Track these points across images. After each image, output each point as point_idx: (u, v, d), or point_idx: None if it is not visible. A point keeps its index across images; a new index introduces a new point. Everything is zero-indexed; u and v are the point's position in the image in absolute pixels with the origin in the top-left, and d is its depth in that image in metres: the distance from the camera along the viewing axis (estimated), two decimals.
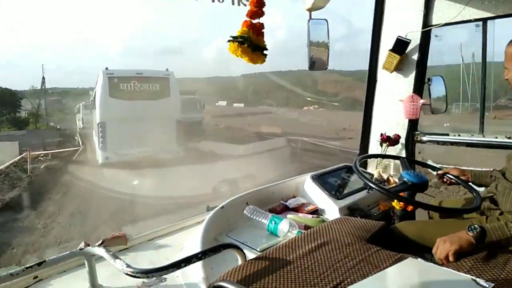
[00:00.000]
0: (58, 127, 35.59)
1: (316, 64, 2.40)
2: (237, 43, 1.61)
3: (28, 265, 1.24)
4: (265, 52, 1.70)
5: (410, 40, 2.50)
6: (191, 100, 19.07)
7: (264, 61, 1.71)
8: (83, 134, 21.54)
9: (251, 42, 1.62)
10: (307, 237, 1.46)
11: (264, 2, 1.73)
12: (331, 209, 2.05)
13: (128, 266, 1.13)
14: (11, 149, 19.18)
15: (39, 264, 1.25)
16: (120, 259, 1.18)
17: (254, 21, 1.68)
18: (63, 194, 10.30)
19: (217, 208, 1.88)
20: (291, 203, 2.05)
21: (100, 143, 12.11)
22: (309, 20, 2.34)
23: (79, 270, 1.49)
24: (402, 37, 2.52)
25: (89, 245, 1.42)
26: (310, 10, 2.36)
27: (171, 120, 12.94)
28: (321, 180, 2.26)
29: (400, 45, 2.53)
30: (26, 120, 43.30)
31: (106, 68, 12.43)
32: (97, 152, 12.52)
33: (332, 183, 2.31)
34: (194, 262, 1.19)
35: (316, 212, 2.02)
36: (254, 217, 1.82)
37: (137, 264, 1.18)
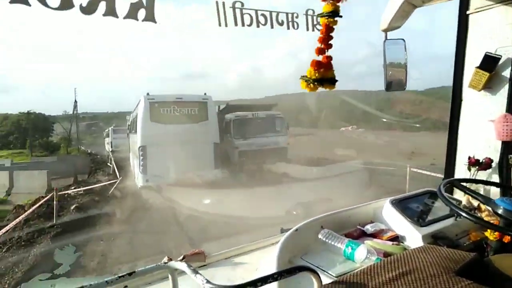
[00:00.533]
0: (89, 151, 35.21)
1: (393, 84, 2.33)
2: (304, 81, 1.81)
3: (120, 274, 1.36)
4: (334, 79, 1.86)
5: (501, 56, 2.30)
6: (272, 118, 16.63)
7: (334, 87, 1.86)
8: (114, 158, 21.40)
9: (315, 80, 1.79)
10: (388, 264, 1.39)
11: (332, 36, 1.83)
12: (413, 237, 1.92)
13: (208, 282, 1.18)
14: (39, 179, 17.53)
15: (129, 274, 1.36)
16: (201, 274, 1.24)
17: (321, 57, 1.84)
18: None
19: (291, 230, 1.87)
20: (369, 228, 1.97)
21: (140, 167, 12.36)
22: (385, 41, 2.29)
23: (162, 282, 1.59)
24: (491, 53, 2.33)
25: (172, 260, 1.51)
26: (385, 30, 2.32)
27: (210, 143, 13.04)
28: (401, 205, 2.13)
29: (489, 62, 2.34)
30: (57, 144, 43.64)
31: (148, 94, 12.83)
32: (136, 176, 12.84)
33: (413, 208, 2.17)
34: (270, 282, 1.20)
35: (396, 239, 1.91)
36: (330, 241, 1.78)
37: (214, 280, 1.22)
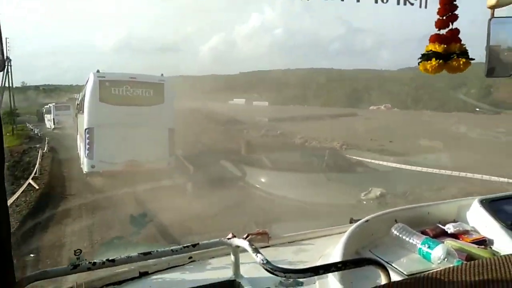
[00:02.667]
0: (35, 132, 26.06)
1: (496, 69, 2.03)
2: (424, 62, 1.48)
3: (185, 245, 1.40)
4: (467, 53, 1.49)
5: None
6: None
7: (469, 64, 1.50)
8: (57, 136, 19.75)
9: (439, 55, 1.45)
10: (471, 269, 1.22)
11: (457, 5, 1.50)
12: (505, 242, 1.68)
13: (268, 262, 1.15)
14: None
15: (193, 245, 1.39)
16: (262, 254, 1.22)
17: (444, 31, 1.50)
18: None
19: (361, 221, 1.76)
20: (451, 228, 1.77)
21: (86, 151, 11.24)
22: (490, 19, 1.99)
23: (224, 257, 1.60)
24: None
25: (235, 237, 1.52)
26: (493, 7, 2.01)
27: (164, 129, 12.02)
28: (492, 206, 1.88)
29: None
30: None
31: (98, 71, 11.67)
32: (82, 161, 11.75)
33: (507, 211, 1.90)
34: (333, 271, 1.14)
35: (483, 242, 1.69)
36: (403, 237, 1.64)
37: (275, 263, 1.19)
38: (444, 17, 1.50)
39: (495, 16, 1.98)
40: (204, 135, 20.87)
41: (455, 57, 1.46)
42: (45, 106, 29.68)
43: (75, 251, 1.42)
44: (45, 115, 28.52)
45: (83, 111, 12.04)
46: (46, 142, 14.90)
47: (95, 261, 1.27)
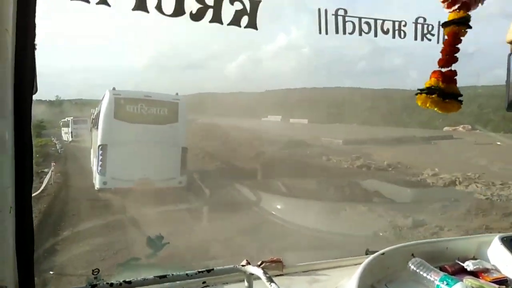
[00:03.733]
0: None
1: None
2: (424, 95, 1.54)
3: (200, 270, 1.41)
4: (460, 98, 1.56)
5: None
6: None
7: (460, 108, 1.57)
8: (73, 149, 20.12)
9: (441, 92, 1.52)
10: None
11: (459, 48, 1.58)
12: None
13: None
14: None
15: (208, 271, 1.41)
16: (275, 283, 1.22)
17: (444, 70, 1.58)
18: None
19: (377, 253, 1.74)
20: (470, 265, 1.72)
21: (99, 167, 11.20)
22: (510, 54, 2.00)
23: (238, 284, 1.60)
24: None
25: (249, 263, 1.52)
26: None
27: (177, 147, 11.97)
28: None
29: None
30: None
31: (114, 88, 11.71)
32: (94, 176, 11.70)
33: None
34: None
35: (504, 282, 1.64)
36: (421, 272, 1.61)
37: None
38: (448, 56, 1.56)
39: None
40: (265, 160, 18.04)
41: (450, 99, 1.53)
42: (62, 120, 30.27)
43: (93, 270, 1.45)
44: (62, 128, 29.11)
45: (97, 127, 12.12)
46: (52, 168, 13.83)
47: (112, 282, 1.30)
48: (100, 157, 11.16)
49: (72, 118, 27.73)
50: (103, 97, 12.09)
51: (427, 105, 1.52)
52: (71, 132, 26.15)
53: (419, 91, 1.55)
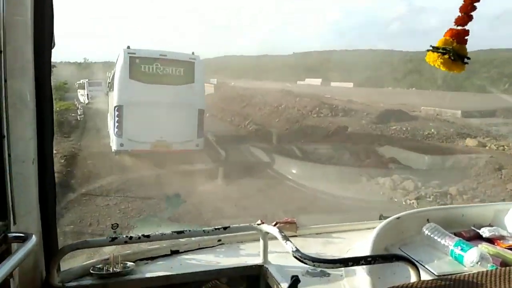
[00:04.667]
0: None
1: None
2: (437, 54, 1.49)
3: (216, 227, 1.44)
4: (466, 60, 1.52)
5: None
6: None
7: (464, 69, 1.53)
8: (90, 112, 19.74)
9: (454, 53, 1.48)
10: (506, 275, 1.19)
11: (476, 6, 1.51)
12: None
13: (297, 250, 1.17)
14: None
15: (224, 228, 1.43)
16: (291, 242, 1.23)
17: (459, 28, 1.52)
18: None
19: (392, 217, 1.74)
20: (486, 232, 1.72)
21: (115, 128, 10.93)
22: None
23: (253, 243, 1.64)
24: None
25: (264, 223, 1.55)
26: None
27: (194, 109, 11.56)
28: None
29: None
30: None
31: (128, 47, 11.22)
32: (111, 139, 11.44)
33: None
34: (362, 264, 1.14)
35: None
36: (435, 237, 1.61)
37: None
38: (465, 15, 1.50)
39: None
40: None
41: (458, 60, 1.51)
42: (78, 82, 30.14)
43: (112, 225, 1.49)
44: (78, 90, 29.06)
45: (113, 89, 11.80)
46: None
47: (131, 235, 1.34)
48: (117, 119, 10.95)
49: (87, 80, 27.95)
50: (117, 57, 11.71)
51: (436, 64, 1.49)
52: (87, 94, 26.39)
53: (431, 49, 1.50)
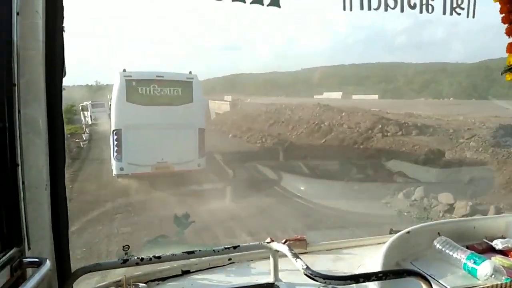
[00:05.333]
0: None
1: None
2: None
3: (226, 246, 1.45)
4: None
5: None
6: None
7: None
8: (93, 132, 19.65)
9: None
10: None
11: None
12: None
13: (308, 268, 1.17)
14: None
15: (234, 247, 1.44)
16: (301, 259, 1.23)
17: None
18: None
19: (402, 232, 1.73)
20: (499, 244, 1.70)
21: (115, 153, 10.85)
22: None
23: (263, 261, 1.63)
24: None
25: (274, 241, 1.55)
26: None
27: (194, 129, 11.46)
28: None
29: None
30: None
31: (124, 70, 11.06)
32: (112, 163, 11.27)
33: None
34: (374, 280, 1.13)
35: None
36: (447, 251, 1.59)
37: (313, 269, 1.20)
38: (510, 24, 1.53)
39: None
40: None
41: None
42: (81, 104, 30.56)
43: (123, 246, 1.51)
44: (82, 112, 29.61)
45: (111, 112, 11.68)
46: None
47: (142, 257, 1.35)
48: (116, 142, 10.83)
49: (90, 102, 28.36)
50: (114, 80, 11.62)
51: None
52: (90, 116, 26.89)
53: (506, 70, 1.58)
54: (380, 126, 15.50)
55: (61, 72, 1.28)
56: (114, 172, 11.03)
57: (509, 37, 1.53)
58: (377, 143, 14.48)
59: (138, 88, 11.09)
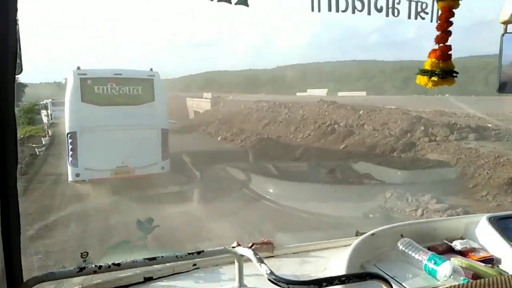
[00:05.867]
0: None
1: (508, 85, 2.03)
2: (426, 76, 1.58)
3: (190, 252, 1.41)
4: (455, 73, 1.62)
5: None
6: None
7: (454, 82, 1.62)
8: (54, 132, 18.70)
9: (443, 73, 1.57)
10: (477, 287, 1.21)
11: (452, 22, 1.60)
12: None
13: (272, 273, 1.15)
14: None
15: (198, 253, 1.40)
16: (266, 264, 1.22)
17: (439, 45, 1.62)
18: None
19: (367, 234, 1.76)
20: (458, 245, 1.75)
21: (70, 157, 10.08)
22: (503, 35, 2.00)
23: (229, 266, 1.61)
24: None
25: (240, 245, 1.53)
26: (506, 23, 2.02)
27: (156, 129, 10.88)
28: (501, 224, 1.85)
29: None
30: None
31: (78, 68, 10.33)
32: (68, 168, 10.37)
33: None
34: (336, 284, 1.13)
35: (490, 261, 1.67)
36: (409, 252, 1.63)
37: (279, 273, 1.19)
38: (443, 33, 1.59)
39: (507, 31, 1.99)
40: None
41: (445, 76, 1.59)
42: (41, 102, 29.62)
43: (81, 253, 1.44)
44: (41, 111, 28.55)
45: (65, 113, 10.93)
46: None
47: (100, 264, 1.29)
48: (70, 147, 10.05)
49: (51, 100, 26.99)
50: (67, 79, 10.90)
51: (428, 86, 1.57)
52: (50, 115, 25.93)
53: (420, 72, 1.57)
54: (422, 128, 12.56)
55: (14, 68, 1.21)
56: (70, 179, 10.26)
57: (436, 44, 1.60)
58: (429, 151, 11.43)
59: (94, 87, 10.40)
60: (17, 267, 1.22)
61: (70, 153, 10.08)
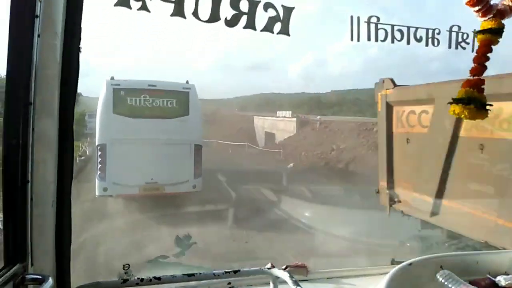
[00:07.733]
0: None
1: None
2: (461, 105, 1.53)
3: (226, 270, 1.44)
4: (488, 108, 1.55)
5: None
6: None
7: (487, 116, 1.55)
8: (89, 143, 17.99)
9: (479, 102, 1.52)
10: None
11: (489, 57, 1.58)
12: None
13: None
14: None
15: (235, 272, 1.43)
16: (301, 287, 1.23)
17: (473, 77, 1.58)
18: None
19: (404, 264, 1.71)
20: (502, 280, 1.67)
21: (98, 171, 9.70)
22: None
23: (263, 287, 1.62)
24: None
25: (274, 267, 1.54)
26: None
27: (189, 145, 10.36)
28: None
29: None
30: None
31: (112, 78, 10.00)
32: (95, 181, 9.93)
33: None
34: None
35: None
36: (449, 285, 1.57)
37: None
38: (480, 66, 1.57)
39: None
40: None
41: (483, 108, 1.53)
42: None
43: (124, 265, 1.51)
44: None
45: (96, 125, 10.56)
46: None
47: (143, 277, 1.35)
48: (99, 159, 9.70)
49: (87, 113, 29.22)
50: (101, 90, 10.42)
51: (463, 115, 1.52)
52: (86, 126, 27.62)
53: (453, 101, 1.54)
54: None
55: (75, 90, 1.32)
56: (97, 193, 9.80)
57: (470, 76, 1.57)
58: None
59: (127, 99, 10.01)
60: (67, 274, 1.30)
61: (99, 166, 9.78)
